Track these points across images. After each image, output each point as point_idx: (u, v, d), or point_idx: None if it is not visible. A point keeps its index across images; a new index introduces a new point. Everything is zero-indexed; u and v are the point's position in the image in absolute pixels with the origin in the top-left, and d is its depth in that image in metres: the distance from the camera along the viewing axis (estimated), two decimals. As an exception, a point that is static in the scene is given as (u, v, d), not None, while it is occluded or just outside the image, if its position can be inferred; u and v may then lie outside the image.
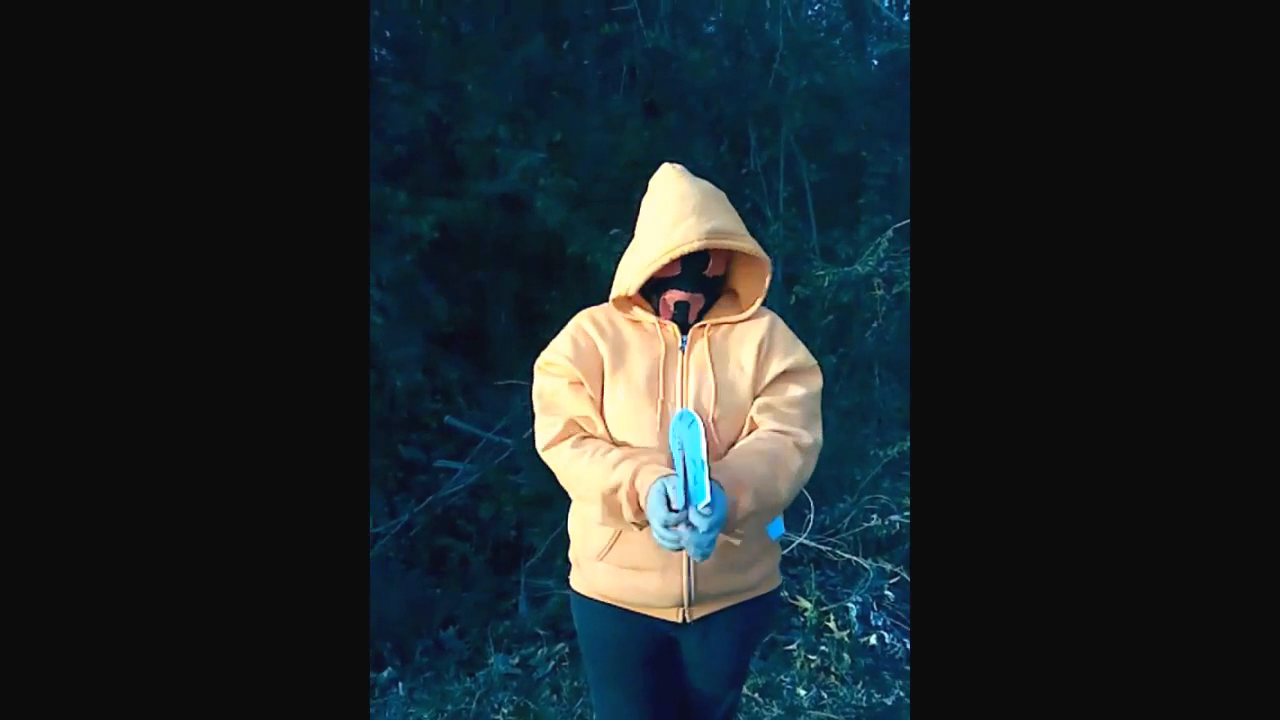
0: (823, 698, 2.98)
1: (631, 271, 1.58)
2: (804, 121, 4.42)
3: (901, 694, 2.97)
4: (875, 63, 5.42)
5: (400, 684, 3.07)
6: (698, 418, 1.43)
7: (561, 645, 3.22)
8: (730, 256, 1.65)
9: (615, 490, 1.43)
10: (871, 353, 4.30)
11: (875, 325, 4.14)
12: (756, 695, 2.96)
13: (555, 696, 2.99)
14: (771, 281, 1.65)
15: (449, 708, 2.93)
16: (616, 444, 1.54)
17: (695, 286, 1.59)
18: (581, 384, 1.57)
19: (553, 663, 3.15)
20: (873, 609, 3.25)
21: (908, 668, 3.07)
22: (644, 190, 1.67)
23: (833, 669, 3.08)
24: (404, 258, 3.62)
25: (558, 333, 1.65)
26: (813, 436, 1.55)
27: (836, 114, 4.65)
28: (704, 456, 1.37)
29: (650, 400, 1.54)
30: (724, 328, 1.63)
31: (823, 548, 3.40)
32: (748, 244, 1.57)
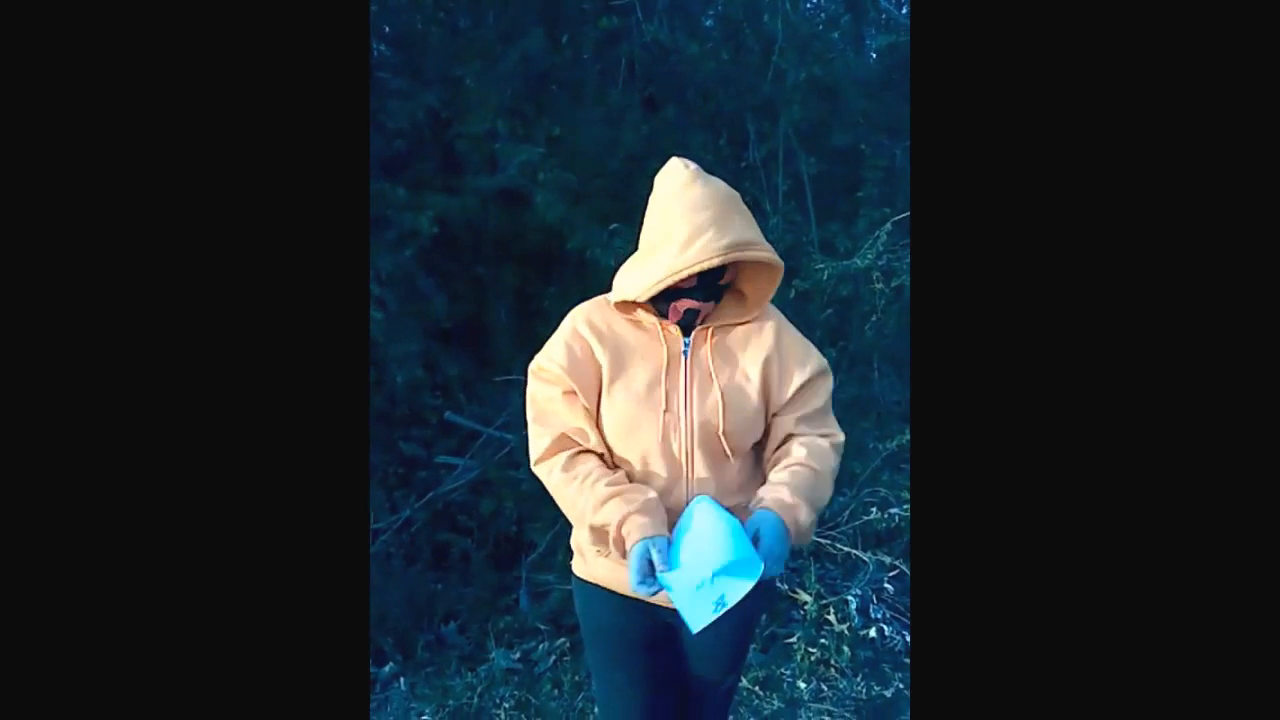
0: (823, 690, 2.99)
1: (643, 281, 1.53)
2: (802, 114, 4.41)
3: (901, 686, 2.98)
4: (874, 55, 5.41)
5: (402, 679, 3.07)
6: (714, 508, 1.49)
7: (562, 640, 3.22)
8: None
9: (602, 528, 1.51)
10: (871, 346, 4.29)
11: (874, 318, 4.13)
12: (757, 688, 2.96)
13: (556, 691, 2.99)
14: (774, 278, 1.64)
15: (450, 703, 2.94)
16: (611, 454, 1.56)
17: (708, 296, 1.57)
18: (575, 394, 1.55)
19: (554, 657, 3.15)
20: (872, 602, 3.25)
21: (907, 660, 3.08)
22: (644, 184, 1.63)
23: (832, 662, 3.09)
24: (403, 253, 3.61)
25: (556, 328, 1.63)
26: (841, 433, 1.65)
27: (835, 107, 4.64)
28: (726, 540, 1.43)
29: (652, 410, 1.54)
30: (728, 329, 1.61)
31: (822, 541, 3.41)
32: (765, 254, 1.53)
